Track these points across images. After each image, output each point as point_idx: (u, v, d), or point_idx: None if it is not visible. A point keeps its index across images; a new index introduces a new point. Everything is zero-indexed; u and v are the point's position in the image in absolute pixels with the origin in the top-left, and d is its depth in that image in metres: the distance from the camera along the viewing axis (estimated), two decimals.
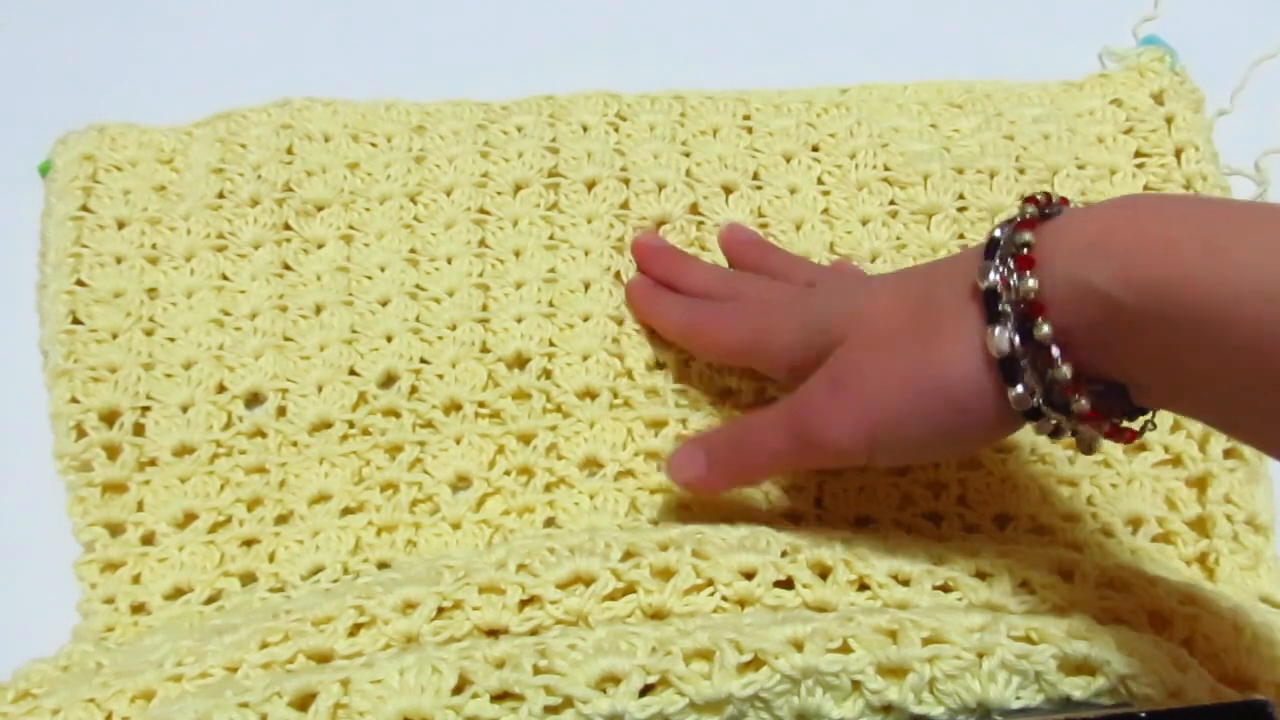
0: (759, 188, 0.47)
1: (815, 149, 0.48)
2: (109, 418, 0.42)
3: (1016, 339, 0.30)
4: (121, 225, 0.45)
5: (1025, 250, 0.30)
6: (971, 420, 0.32)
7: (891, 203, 0.47)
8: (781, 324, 0.39)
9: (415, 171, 0.47)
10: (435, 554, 0.40)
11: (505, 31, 0.52)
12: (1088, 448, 0.33)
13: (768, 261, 0.44)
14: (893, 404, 0.33)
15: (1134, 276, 0.28)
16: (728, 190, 0.47)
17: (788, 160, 0.48)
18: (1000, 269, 0.31)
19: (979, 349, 0.31)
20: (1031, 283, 0.30)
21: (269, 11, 0.52)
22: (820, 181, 0.47)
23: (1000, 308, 0.30)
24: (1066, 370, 0.30)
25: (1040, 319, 0.30)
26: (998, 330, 0.30)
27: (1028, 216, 0.32)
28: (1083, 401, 0.30)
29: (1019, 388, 0.30)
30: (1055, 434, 0.32)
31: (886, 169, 0.47)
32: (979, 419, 0.32)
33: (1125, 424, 0.32)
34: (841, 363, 0.35)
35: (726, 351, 0.42)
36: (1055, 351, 0.30)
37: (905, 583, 0.35)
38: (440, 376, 0.43)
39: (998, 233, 0.32)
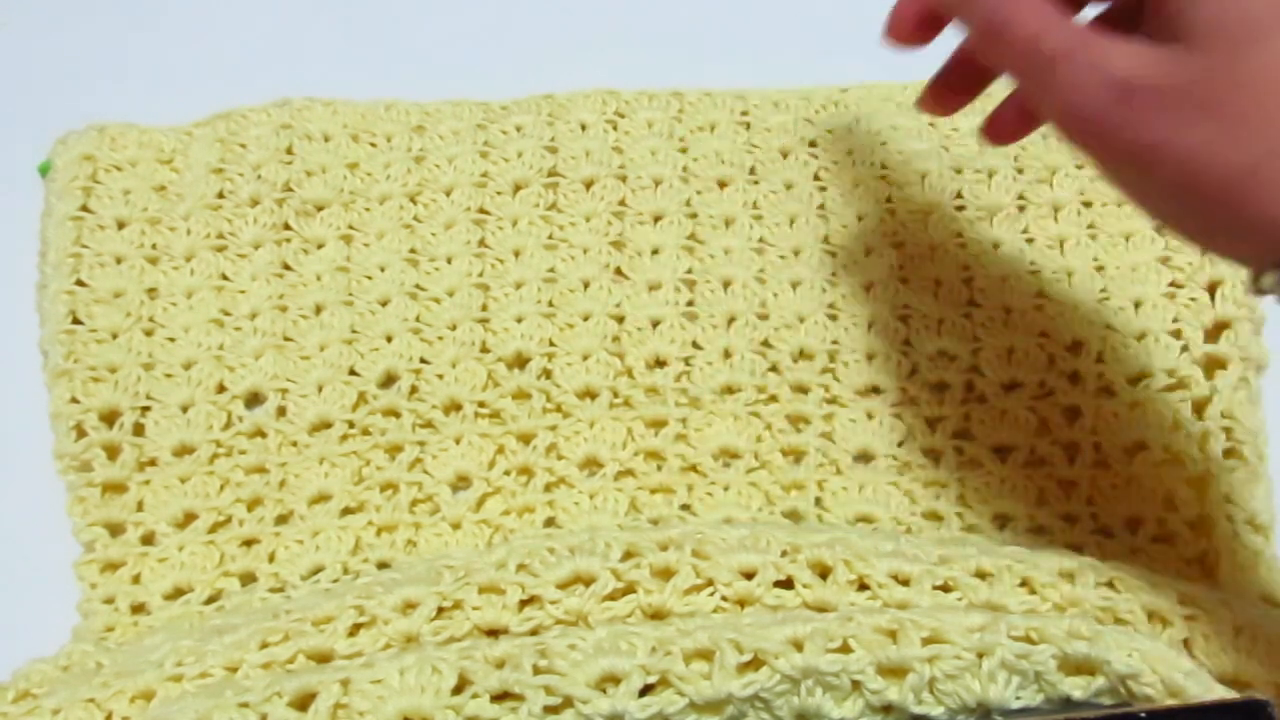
0: (755, 183, 0.47)
1: (813, 145, 0.48)
2: (109, 418, 0.42)
3: None
4: (121, 225, 0.45)
5: None
6: (1231, 239, 0.27)
7: (888, 200, 0.47)
8: None
9: (415, 171, 0.47)
10: (435, 554, 0.40)
11: (504, 31, 0.52)
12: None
13: None
14: (1172, 178, 0.27)
15: None
16: (722, 185, 0.47)
17: (785, 156, 0.48)
18: None
19: None
20: None
21: (269, 11, 0.52)
22: (817, 178, 0.47)
23: None
24: None
25: None
26: None
27: None
28: None
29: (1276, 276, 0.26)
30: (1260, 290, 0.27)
31: (884, 168, 0.47)
32: (1236, 243, 0.27)
33: None
34: (1157, 78, 0.26)
35: None
36: None
37: (905, 583, 0.35)
38: (440, 376, 0.43)
39: None
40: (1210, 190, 0.26)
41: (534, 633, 0.34)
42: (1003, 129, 0.36)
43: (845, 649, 0.31)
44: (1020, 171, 0.47)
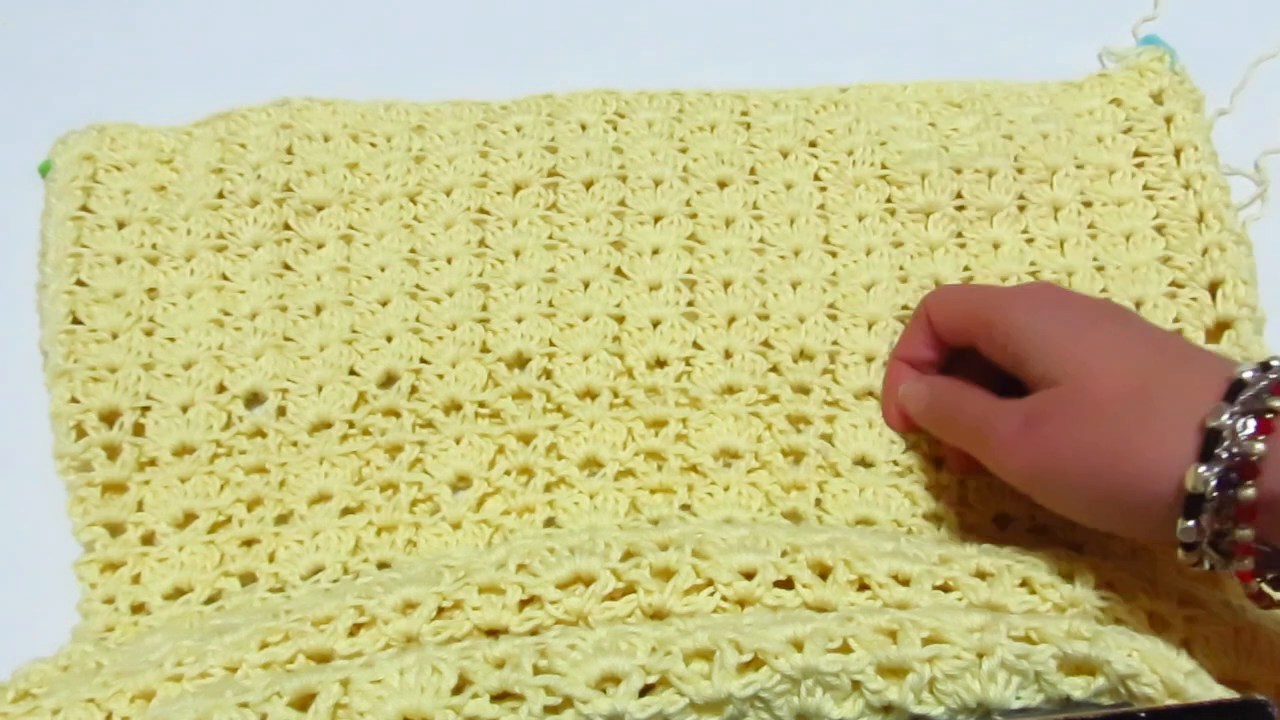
0: (755, 183, 0.47)
1: (813, 145, 0.48)
2: (109, 418, 0.42)
3: (1214, 484, 0.30)
4: (121, 225, 0.45)
5: (1271, 415, 0.30)
6: (1133, 519, 0.33)
7: (888, 200, 0.47)
8: (1013, 305, 0.38)
9: (415, 171, 0.47)
10: (435, 554, 0.40)
11: (504, 31, 0.52)
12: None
13: None
14: (1071, 469, 0.34)
15: None
16: (722, 185, 0.47)
17: (785, 156, 0.48)
18: (1236, 418, 0.30)
19: (1176, 471, 0.31)
20: (1260, 447, 0.30)
21: (269, 11, 0.52)
22: (817, 178, 0.47)
23: (1216, 451, 0.30)
24: (1248, 533, 0.30)
25: (1250, 482, 0.30)
26: (1202, 469, 0.30)
27: None
28: (1247, 562, 0.31)
29: (1191, 524, 0.31)
30: (1196, 565, 0.32)
31: (884, 167, 0.47)
32: (1139, 522, 0.33)
33: (1270, 590, 0.32)
34: (1047, 406, 0.35)
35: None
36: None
37: (905, 583, 0.35)
38: (440, 376, 0.43)
39: (1248, 375, 0.31)
40: (1103, 468, 0.33)
41: (534, 633, 0.34)
42: (894, 421, 0.43)
43: (845, 649, 0.31)
44: (1020, 172, 0.47)
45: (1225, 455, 0.30)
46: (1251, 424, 0.30)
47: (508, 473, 0.42)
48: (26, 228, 0.45)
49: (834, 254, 0.46)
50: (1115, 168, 0.48)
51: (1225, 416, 0.31)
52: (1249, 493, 0.30)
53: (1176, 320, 0.44)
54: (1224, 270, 0.45)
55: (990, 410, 0.37)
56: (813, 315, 0.44)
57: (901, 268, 0.46)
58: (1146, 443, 0.32)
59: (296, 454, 0.42)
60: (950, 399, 0.40)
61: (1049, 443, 0.34)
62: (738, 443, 0.43)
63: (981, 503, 0.42)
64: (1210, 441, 0.31)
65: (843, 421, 0.43)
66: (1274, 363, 0.32)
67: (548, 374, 0.43)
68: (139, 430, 0.42)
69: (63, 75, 0.50)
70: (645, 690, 0.30)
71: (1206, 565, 0.32)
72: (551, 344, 0.44)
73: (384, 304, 0.44)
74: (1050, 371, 0.35)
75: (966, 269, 0.46)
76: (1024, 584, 0.36)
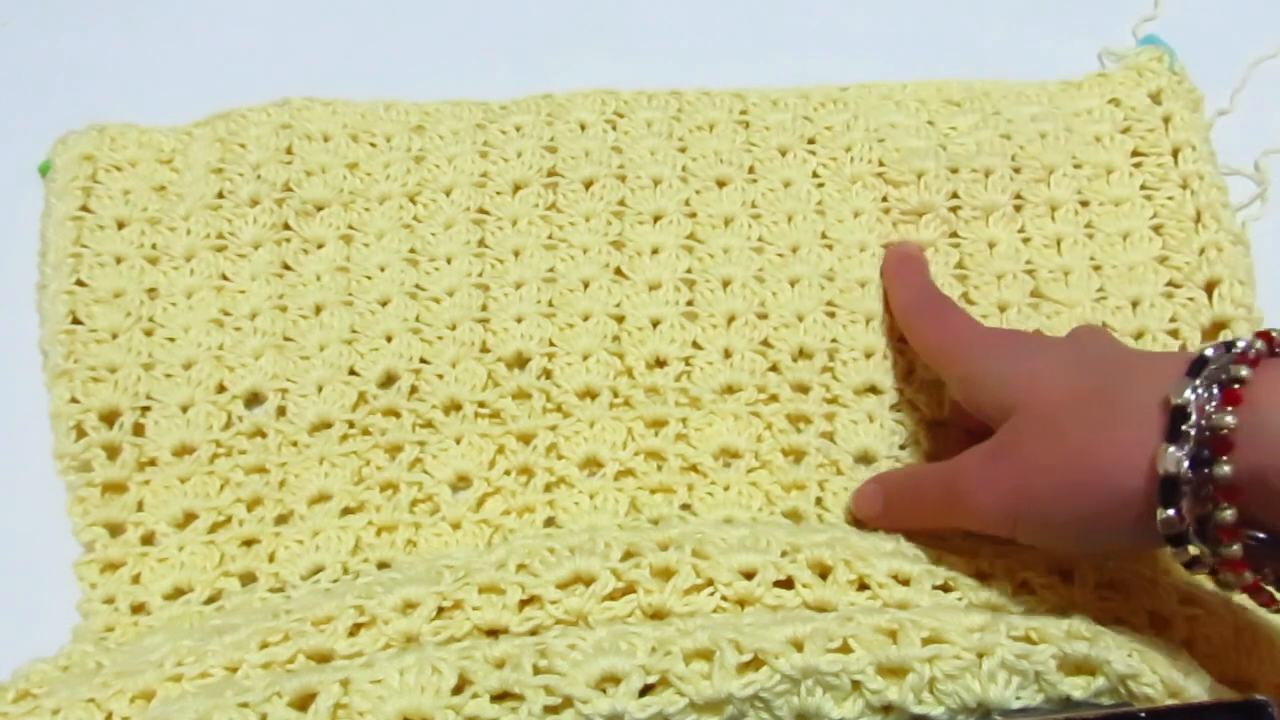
0: (753, 181, 0.47)
1: (811, 142, 0.48)
2: (109, 418, 0.42)
3: (1187, 464, 0.29)
4: (121, 225, 0.45)
5: (1237, 385, 0.29)
6: (1116, 525, 0.32)
7: (884, 199, 0.47)
8: (966, 354, 0.39)
9: (415, 171, 0.47)
10: (435, 554, 0.40)
11: (504, 31, 0.52)
12: (1225, 586, 0.31)
13: None
14: (1043, 487, 0.33)
15: None
16: (721, 184, 0.47)
17: (783, 154, 0.48)
18: (1200, 392, 0.29)
19: (1145, 459, 0.30)
20: (1230, 419, 0.29)
21: (269, 11, 0.52)
22: (815, 175, 0.47)
23: (1184, 428, 0.29)
24: (1230, 514, 0.29)
25: (1224, 457, 0.29)
26: (1171, 449, 0.29)
27: (1254, 353, 0.30)
28: (1235, 548, 0.29)
29: (1171, 512, 0.29)
30: (1191, 566, 0.31)
31: (881, 164, 0.47)
32: (1122, 526, 0.31)
33: (1269, 587, 0.31)
34: (1006, 434, 0.35)
35: (924, 352, 0.42)
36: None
37: (905, 583, 0.35)
38: (440, 376, 0.43)
39: (1210, 352, 0.31)
40: (1074, 475, 0.32)
41: (534, 633, 0.34)
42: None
43: (845, 649, 0.31)
44: (1017, 171, 0.47)
45: (1194, 431, 0.29)
46: (1218, 394, 0.29)
47: (508, 473, 0.42)
48: (26, 228, 0.45)
49: (830, 247, 0.46)
50: (1113, 167, 0.48)
51: (1188, 392, 0.29)
52: (1225, 470, 0.28)
53: (1173, 320, 0.45)
54: (1221, 270, 0.45)
55: (949, 469, 0.37)
56: (811, 313, 0.45)
57: None
58: (1111, 435, 0.31)
59: (296, 454, 0.42)
60: (905, 483, 0.40)
61: (1016, 468, 0.34)
62: (738, 442, 0.43)
63: None
64: (1176, 418, 0.29)
65: (843, 418, 0.43)
66: (1238, 342, 0.31)
67: (548, 374, 0.43)
68: (139, 430, 0.42)
69: (63, 75, 0.49)
70: (645, 690, 0.30)
71: (1194, 556, 0.30)
72: (551, 344, 0.44)
73: (384, 304, 0.44)
74: (1004, 402, 0.35)
75: (962, 267, 0.46)
76: (1024, 584, 0.36)
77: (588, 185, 0.47)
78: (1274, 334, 0.31)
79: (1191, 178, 0.47)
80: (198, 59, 0.50)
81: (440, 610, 0.34)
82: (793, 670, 0.30)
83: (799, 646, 0.31)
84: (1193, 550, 0.30)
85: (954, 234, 0.46)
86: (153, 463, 0.42)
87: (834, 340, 0.44)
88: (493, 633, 0.34)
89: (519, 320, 0.44)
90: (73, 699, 0.33)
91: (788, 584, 0.35)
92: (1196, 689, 0.31)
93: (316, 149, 0.47)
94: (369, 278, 0.45)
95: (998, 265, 0.46)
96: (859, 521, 0.41)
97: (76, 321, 0.43)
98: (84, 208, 0.45)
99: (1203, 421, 0.29)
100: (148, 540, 0.41)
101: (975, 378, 0.37)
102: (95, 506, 0.41)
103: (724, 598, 0.34)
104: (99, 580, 0.40)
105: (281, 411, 0.42)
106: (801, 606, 0.34)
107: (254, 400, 0.43)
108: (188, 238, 0.45)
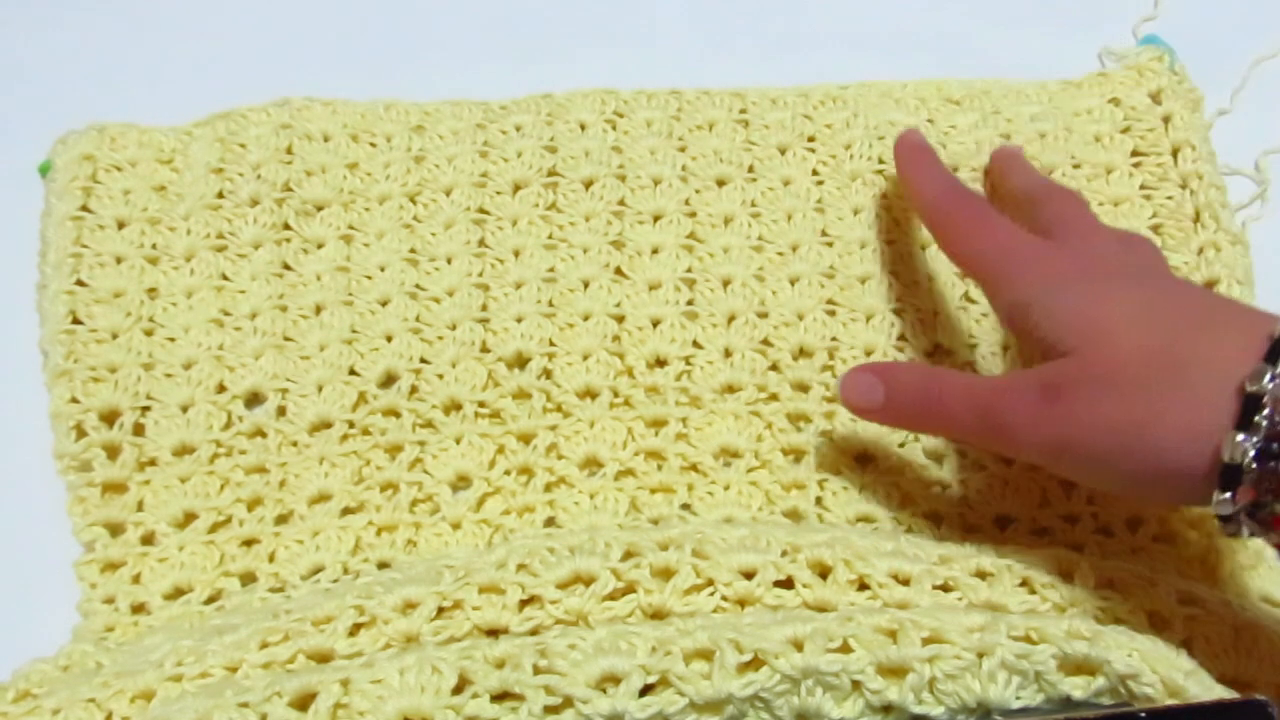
0: (753, 180, 0.47)
1: (811, 140, 0.48)
2: (109, 418, 0.42)
3: (1253, 454, 0.28)
4: (121, 225, 0.45)
5: None
6: (1166, 489, 0.31)
7: (884, 196, 0.47)
8: (1021, 278, 0.36)
9: (415, 171, 0.47)
10: (435, 554, 0.40)
11: (504, 31, 0.52)
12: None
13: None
14: (1100, 443, 0.32)
15: None
16: (721, 183, 0.47)
17: (783, 153, 0.48)
18: (1278, 381, 0.28)
19: (1210, 440, 0.29)
20: None
21: (269, 11, 0.52)
22: (814, 172, 0.47)
23: (1257, 419, 0.28)
24: None
25: None
26: (1240, 437, 0.28)
27: None
28: None
29: (1227, 496, 0.29)
30: (1228, 524, 0.30)
31: (881, 162, 0.47)
32: (1174, 492, 0.31)
33: None
34: (1064, 377, 0.33)
35: (964, 260, 0.40)
36: None
37: (905, 583, 0.35)
38: (440, 376, 0.43)
39: None
40: (1131, 439, 0.31)
41: (534, 633, 0.34)
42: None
43: (845, 649, 0.31)
44: None
45: (1265, 423, 0.28)
46: None
47: (508, 472, 0.42)
48: (26, 228, 0.45)
49: (830, 245, 0.46)
50: (1113, 167, 0.48)
51: (1267, 380, 0.28)
52: None
53: None
54: (1219, 270, 0.45)
55: (985, 392, 0.35)
56: (811, 311, 0.45)
57: (896, 263, 0.46)
58: (1179, 411, 0.30)
59: (296, 454, 0.42)
60: (921, 385, 0.38)
61: (1072, 417, 0.32)
62: (738, 441, 0.43)
63: (982, 503, 0.42)
64: (1249, 408, 0.28)
65: (842, 417, 0.43)
66: None
67: (548, 374, 0.43)
68: (139, 430, 0.42)
69: (63, 75, 0.50)
70: (645, 690, 0.30)
71: (1245, 534, 0.30)
72: (551, 344, 0.44)
73: (384, 304, 0.44)
74: (1063, 342, 0.34)
75: None
76: (1024, 584, 0.36)
77: (588, 185, 0.47)
78: None
79: (1191, 178, 0.47)
80: (198, 59, 0.50)
81: (440, 610, 0.34)
82: (793, 670, 0.30)
83: (799, 646, 0.31)
84: (1241, 528, 0.30)
85: None
86: (153, 463, 0.42)
87: (834, 339, 0.44)
88: (493, 633, 0.34)
89: (519, 320, 0.44)
90: (73, 699, 0.33)
91: (788, 584, 0.35)
92: (1196, 689, 0.31)
93: (316, 149, 0.47)
94: (369, 278, 0.45)
95: None
96: (860, 521, 0.41)
97: (76, 321, 0.43)
98: (84, 208, 0.45)
99: (1276, 415, 0.28)
100: (148, 540, 0.41)
101: (1031, 309, 0.35)
102: (95, 506, 0.41)
103: (724, 598, 0.34)
104: (99, 580, 0.40)
105: (281, 411, 0.42)
106: (801, 606, 0.34)
107: (254, 400, 0.43)
108: (188, 238, 0.45)
